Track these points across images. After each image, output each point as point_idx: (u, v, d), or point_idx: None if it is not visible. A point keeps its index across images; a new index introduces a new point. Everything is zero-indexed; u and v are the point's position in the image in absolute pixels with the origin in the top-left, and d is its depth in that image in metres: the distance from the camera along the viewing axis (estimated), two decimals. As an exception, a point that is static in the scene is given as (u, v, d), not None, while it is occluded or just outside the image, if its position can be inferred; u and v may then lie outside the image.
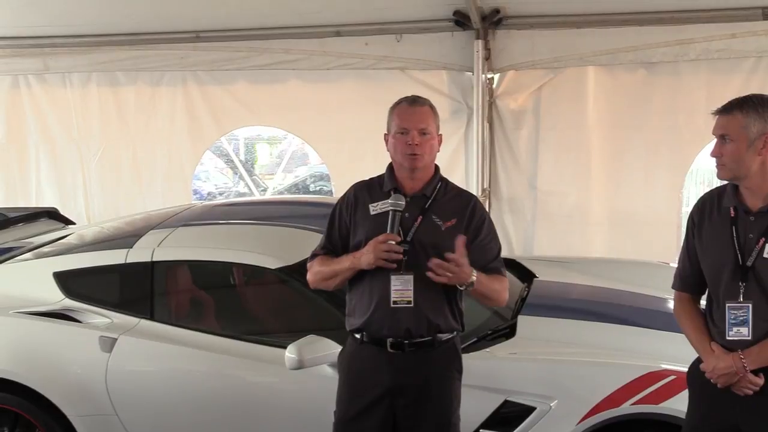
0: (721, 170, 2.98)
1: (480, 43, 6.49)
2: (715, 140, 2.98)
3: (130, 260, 4.39)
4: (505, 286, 3.39)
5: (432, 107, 3.36)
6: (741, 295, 2.93)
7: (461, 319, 3.39)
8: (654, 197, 6.53)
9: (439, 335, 3.30)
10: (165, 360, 4.17)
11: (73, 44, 7.31)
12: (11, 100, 7.68)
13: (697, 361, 3.10)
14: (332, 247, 3.42)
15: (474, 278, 3.19)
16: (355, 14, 6.67)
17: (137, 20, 6.97)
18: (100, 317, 4.32)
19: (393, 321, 3.25)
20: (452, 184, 3.47)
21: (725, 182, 3.08)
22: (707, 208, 3.10)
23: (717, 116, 2.97)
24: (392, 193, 3.31)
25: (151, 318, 4.28)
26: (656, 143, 6.49)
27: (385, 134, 3.37)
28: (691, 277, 3.15)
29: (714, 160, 3.00)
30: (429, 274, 3.15)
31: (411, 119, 3.28)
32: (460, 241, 3.18)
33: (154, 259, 4.35)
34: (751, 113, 2.90)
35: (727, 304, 2.96)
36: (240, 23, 6.90)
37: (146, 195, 7.50)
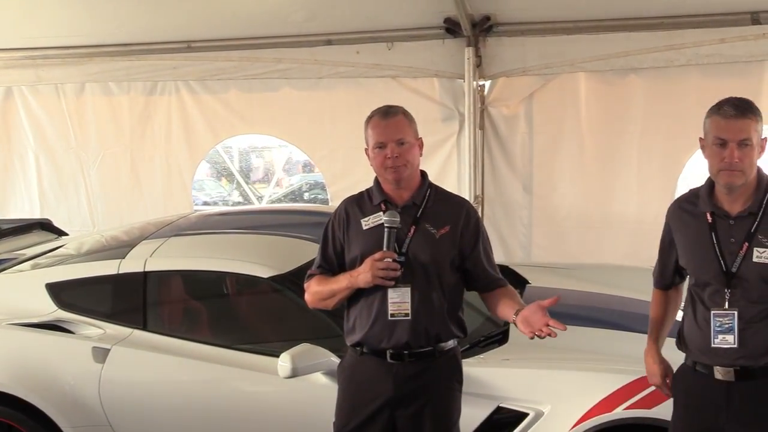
0: (738, 177, 2.90)
1: (471, 51, 6.50)
2: (727, 146, 2.86)
3: (122, 270, 4.40)
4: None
5: (406, 114, 3.30)
6: (726, 303, 2.92)
7: (462, 326, 3.37)
8: (647, 202, 6.54)
9: (440, 345, 3.28)
10: (158, 370, 4.17)
11: (65, 55, 7.32)
12: (7, 110, 7.70)
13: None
14: (328, 266, 3.39)
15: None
16: (345, 23, 6.68)
17: (128, 31, 6.98)
18: (93, 328, 4.32)
19: (391, 334, 3.23)
20: (441, 189, 3.45)
21: (696, 186, 3.08)
22: (681, 213, 3.09)
23: (729, 120, 2.87)
24: (383, 205, 3.29)
25: (144, 328, 4.28)
26: (648, 148, 6.51)
27: (365, 149, 3.33)
28: (660, 275, 3.22)
29: (720, 165, 2.90)
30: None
31: (385, 132, 3.23)
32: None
33: (147, 269, 4.35)
34: (758, 116, 2.90)
35: (712, 312, 2.95)
36: (231, 33, 6.91)
37: (147, 202, 7.54)
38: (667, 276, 3.22)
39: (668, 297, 3.27)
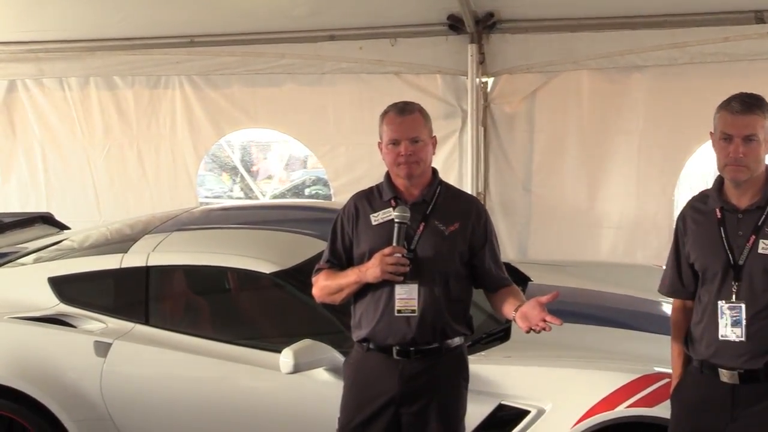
0: (743, 172, 2.93)
1: (474, 47, 6.49)
2: (733, 141, 2.89)
3: (124, 265, 4.39)
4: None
5: (422, 112, 3.30)
6: (734, 295, 2.94)
7: (470, 323, 3.38)
8: (647, 200, 6.55)
9: (447, 342, 3.28)
10: (160, 365, 4.18)
11: (67, 49, 7.31)
12: (12, 103, 7.69)
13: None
14: (336, 261, 3.39)
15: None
16: (349, 18, 6.67)
17: (131, 25, 6.96)
18: (95, 322, 4.32)
19: (398, 330, 3.23)
20: (452, 186, 3.47)
21: (706, 188, 3.09)
22: (693, 213, 3.10)
23: (735, 115, 2.89)
24: (393, 201, 3.29)
25: (146, 323, 4.28)
26: (650, 146, 6.50)
27: (379, 143, 3.33)
28: (679, 283, 3.16)
29: (725, 160, 2.93)
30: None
31: (400, 129, 3.22)
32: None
33: (149, 264, 4.35)
34: (766, 112, 2.90)
35: (719, 304, 2.96)
36: (234, 28, 6.91)
37: (153, 194, 7.54)
38: (686, 279, 3.14)
39: (687, 306, 3.20)
